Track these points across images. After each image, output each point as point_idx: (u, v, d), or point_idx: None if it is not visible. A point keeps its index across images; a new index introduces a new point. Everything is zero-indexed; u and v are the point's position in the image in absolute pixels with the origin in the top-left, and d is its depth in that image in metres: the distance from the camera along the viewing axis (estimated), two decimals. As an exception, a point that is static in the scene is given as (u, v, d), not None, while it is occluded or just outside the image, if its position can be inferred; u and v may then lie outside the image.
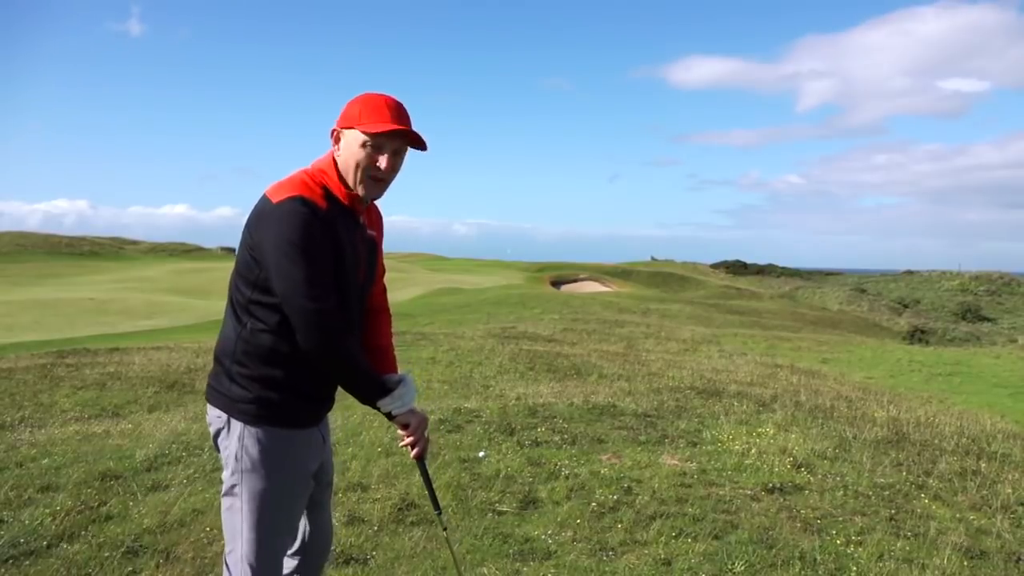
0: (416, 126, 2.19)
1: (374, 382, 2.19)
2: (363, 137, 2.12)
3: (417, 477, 4.56)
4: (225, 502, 2.16)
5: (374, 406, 2.19)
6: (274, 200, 2.06)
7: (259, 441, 2.12)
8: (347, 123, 2.16)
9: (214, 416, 2.18)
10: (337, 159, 2.19)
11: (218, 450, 2.21)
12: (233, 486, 2.14)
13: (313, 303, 2.01)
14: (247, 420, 2.12)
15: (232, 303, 2.16)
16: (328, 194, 2.15)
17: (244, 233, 2.13)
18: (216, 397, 2.17)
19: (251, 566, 2.13)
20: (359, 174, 2.14)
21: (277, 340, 2.09)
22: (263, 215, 2.07)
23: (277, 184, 2.13)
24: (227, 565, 2.18)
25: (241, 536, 2.13)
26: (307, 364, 2.10)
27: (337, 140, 2.21)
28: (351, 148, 2.15)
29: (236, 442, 2.12)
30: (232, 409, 2.13)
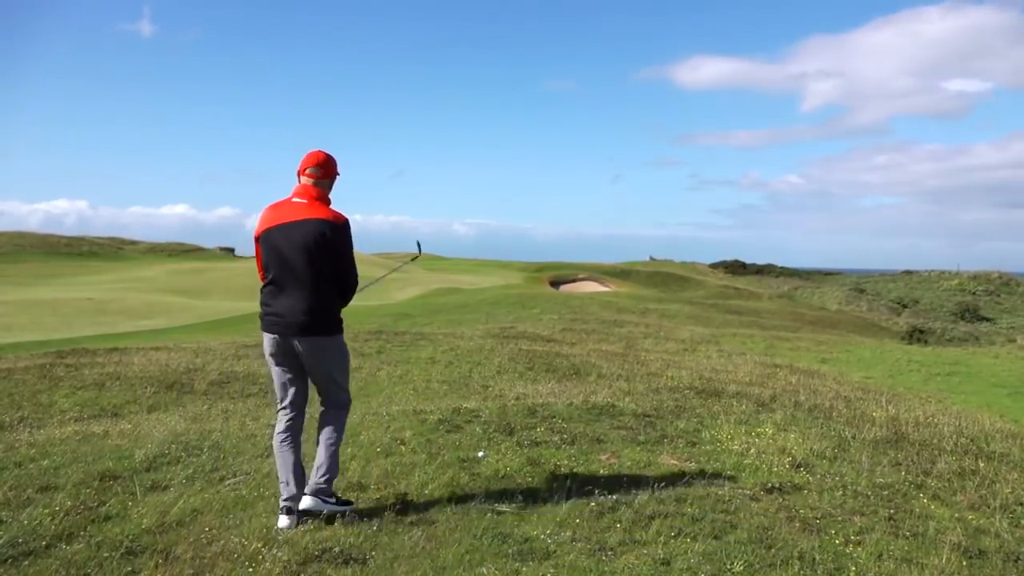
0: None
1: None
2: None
3: (417, 476, 4.58)
4: (331, 372, 4.01)
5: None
6: (339, 220, 3.87)
7: (342, 339, 4.05)
8: (335, 171, 4.04)
9: (318, 340, 3.89)
10: (327, 191, 4.00)
11: (298, 361, 3.94)
12: (335, 361, 4.02)
13: (355, 269, 4.01)
14: (340, 331, 4.00)
15: (320, 276, 3.82)
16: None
17: (319, 243, 3.79)
18: (323, 327, 3.89)
19: (348, 393, 4.17)
20: None
21: (338, 290, 3.97)
22: (340, 227, 3.86)
23: (323, 209, 3.87)
24: (335, 412, 4.09)
25: (343, 381, 4.09)
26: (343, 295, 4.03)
27: (331, 176, 4.02)
28: (332, 185, 4.08)
29: (338, 342, 4.00)
30: (335, 330, 3.95)
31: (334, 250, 3.83)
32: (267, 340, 3.94)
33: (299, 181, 3.97)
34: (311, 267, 3.79)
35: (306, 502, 3.92)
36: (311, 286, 3.82)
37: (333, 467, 4.00)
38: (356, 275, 3.97)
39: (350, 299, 4.03)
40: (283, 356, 3.94)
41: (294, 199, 3.90)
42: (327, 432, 4.03)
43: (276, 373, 4.02)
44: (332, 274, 3.86)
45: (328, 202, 3.95)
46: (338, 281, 3.91)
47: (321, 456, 3.99)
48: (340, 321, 3.99)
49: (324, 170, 3.96)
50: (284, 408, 4.05)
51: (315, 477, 3.96)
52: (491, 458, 5.04)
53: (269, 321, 3.89)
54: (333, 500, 4.01)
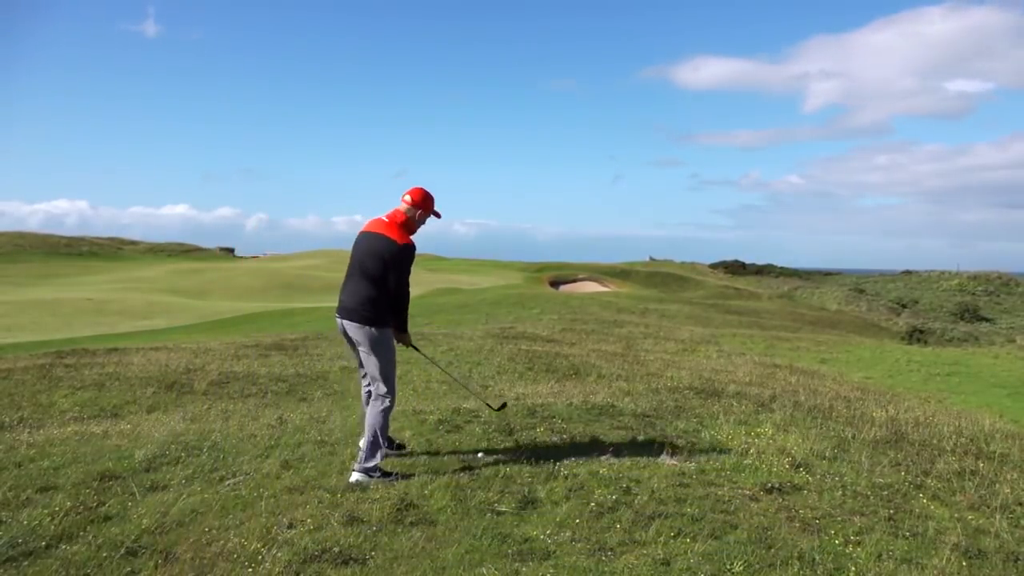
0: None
1: (408, 320, 4.91)
2: (431, 216, 4.89)
3: (417, 477, 4.60)
4: (370, 359, 4.72)
5: (404, 327, 4.85)
6: (400, 242, 4.65)
7: (386, 333, 4.73)
8: (429, 206, 4.82)
9: (358, 326, 4.67)
10: (412, 216, 4.77)
11: (352, 342, 4.80)
12: (374, 349, 4.69)
13: (407, 287, 4.74)
14: (383, 326, 4.70)
15: (371, 280, 4.64)
16: (410, 233, 4.77)
17: (378, 252, 4.63)
18: (367, 319, 4.65)
19: (390, 383, 4.76)
20: (418, 229, 4.85)
21: (387, 295, 4.67)
22: (397, 250, 4.63)
23: (394, 228, 4.69)
24: (378, 392, 4.74)
25: (381, 371, 4.73)
26: (391, 303, 4.71)
27: (420, 207, 4.77)
28: (424, 217, 4.84)
29: (380, 334, 4.69)
30: (377, 323, 4.67)
31: (389, 264, 4.61)
32: (337, 321, 4.91)
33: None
34: (368, 270, 4.66)
35: (353, 476, 4.60)
36: (365, 284, 4.67)
37: (373, 447, 4.64)
38: (406, 291, 4.73)
39: (402, 312, 4.78)
40: (343, 335, 4.86)
41: (384, 217, 4.79)
42: (368, 417, 4.74)
43: (346, 346, 5.15)
44: (384, 282, 4.63)
45: (408, 229, 4.74)
46: (389, 290, 4.65)
47: (364, 437, 4.70)
48: (385, 319, 4.71)
49: (415, 200, 4.76)
50: (361, 373, 5.04)
51: (359, 456, 4.68)
52: (490, 458, 5.04)
53: (338, 306, 4.85)
54: (378, 474, 4.62)
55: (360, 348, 4.76)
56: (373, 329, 4.67)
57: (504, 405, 5.90)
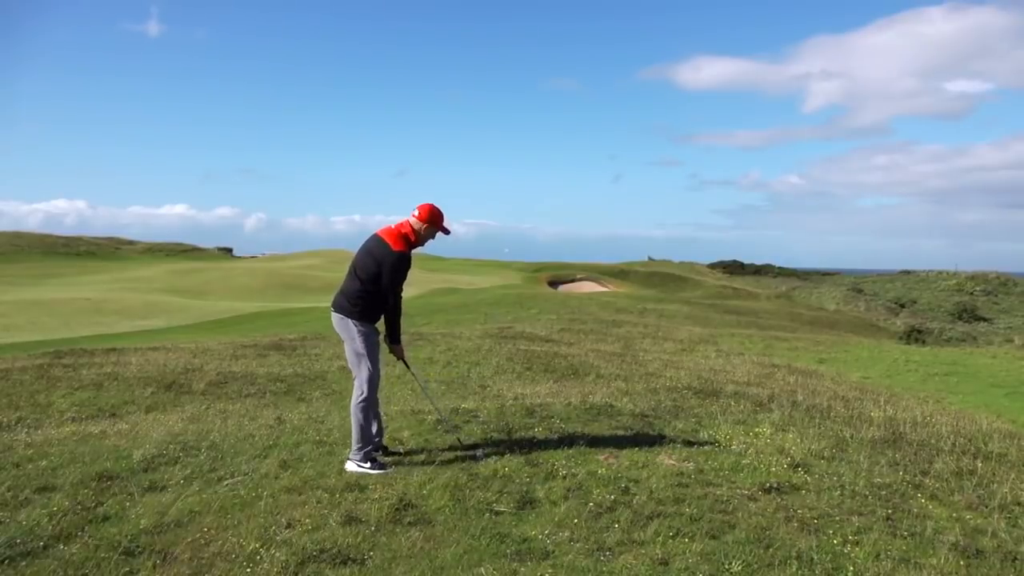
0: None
1: (400, 328, 5.04)
2: (439, 232, 4.99)
3: (415, 477, 4.60)
4: (353, 353, 4.91)
5: (395, 337, 4.99)
6: (395, 248, 4.80)
7: (362, 327, 4.89)
8: (436, 222, 4.93)
9: (340, 317, 4.92)
10: (418, 230, 4.91)
11: (342, 333, 4.98)
12: (349, 341, 4.90)
13: (396, 292, 4.85)
14: (359, 319, 4.88)
15: (359, 277, 4.85)
16: (409, 245, 4.89)
17: (372, 251, 4.85)
18: (346, 310, 4.88)
19: (366, 376, 4.87)
20: (424, 243, 5.01)
21: (376, 296, 4.85)
22: (387, 254, 4.79)
23: (394, 236, 4.84)
24: (357, 384, 4.90)
25: (355, 365, 4.93)
26: (378, 305, 4.89)
27: (426, 222, 4.89)
28: (431, 232, 4.97)
29: (356, 326, 4.87)
30: (354, 316, 4.87)
31: (378, 266, 4.81)
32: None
33: None
34: (360, 269, 4.88)
35: (346, 465, 4.82)
36: (355, 281, 4.88)
37: (355, 438, 4.84)
38: (393, 297, 4.86)
39: (393, 322, 4.94)
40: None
41: (393, 225, 4.98)
42: (350, 409, 4.94)
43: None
44: (372, 282, 4.82)
45: (409, 241, 4.90)
46: (378, 291, 4.83)
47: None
48: (367, 315, 4.89)
49: (421, 216, 4.91)
50: None
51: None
52: (489, 458, 5.04)
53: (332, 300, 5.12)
54: (368, 465, 4.79)
55: (342, 339, 4.98)
56: (352, 322, 4.88)
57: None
